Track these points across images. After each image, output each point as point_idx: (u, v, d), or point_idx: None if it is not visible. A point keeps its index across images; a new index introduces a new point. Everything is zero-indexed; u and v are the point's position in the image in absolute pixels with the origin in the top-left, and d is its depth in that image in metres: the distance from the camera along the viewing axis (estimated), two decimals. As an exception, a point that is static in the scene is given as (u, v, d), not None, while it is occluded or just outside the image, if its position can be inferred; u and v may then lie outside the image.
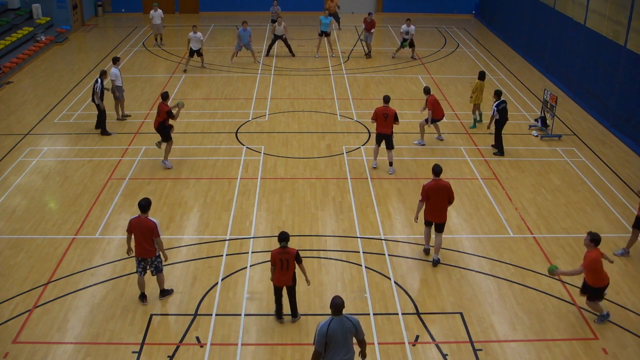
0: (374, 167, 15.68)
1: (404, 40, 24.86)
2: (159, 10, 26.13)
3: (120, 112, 18.72)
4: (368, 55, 25.48)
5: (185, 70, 23.42)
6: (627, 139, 17.76)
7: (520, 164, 16.27)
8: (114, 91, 18.16)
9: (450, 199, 11.77)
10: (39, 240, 12.73)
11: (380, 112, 15.05)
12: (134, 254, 10.68)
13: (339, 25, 30.38)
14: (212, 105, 20.08)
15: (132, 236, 10.51)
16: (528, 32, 26.07)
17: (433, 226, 11.99)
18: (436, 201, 11.66)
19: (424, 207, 11.80)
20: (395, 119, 15.09)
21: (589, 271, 10.31)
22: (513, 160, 16.46)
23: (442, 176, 11.73)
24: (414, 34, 24.90)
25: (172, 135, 15.74)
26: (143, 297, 10.84)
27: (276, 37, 25.10)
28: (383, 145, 15.39)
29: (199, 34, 23.28)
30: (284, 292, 10.30)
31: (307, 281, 10.27)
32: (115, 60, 18.59)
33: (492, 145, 17.01)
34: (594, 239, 10.26)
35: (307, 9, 33.12)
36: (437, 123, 17.28)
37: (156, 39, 26.79)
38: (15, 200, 14.21)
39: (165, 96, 15.54)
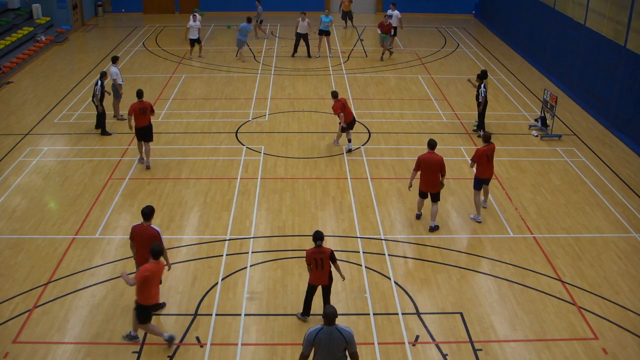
0: (336, 145, 16.96)
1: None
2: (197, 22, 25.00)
3: (117, 112, 18.70)
4: (388, 55, 25.12)
5: (191, 58, 24.83)
6: (627, 139, 17.76)
7: (520, 164, 16.27)
8: (116, 89, 18.15)
9: (442, 172, 12.75)
10: (39, 240, 12.73)
11: (339, 104, 16.00)
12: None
13: (352, 24, 30.51)
14: (212, 105, 20.08)
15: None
16: (528, 32, 26.08)
17: (429, 197, 13.10)
18: (429, 172, 12.74)
19: (418, 178, 13.08)
20: (335, 110, 15.99)
21: (140, 286, 9.33)
22: (513, 160, 16.46)
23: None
24: (400, 17, 25.51)
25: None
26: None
27: (299, 35, 24.79)
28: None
29: (197, 22, 24.26)
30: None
31: (342, 277, 10.29)
32: (115, 60, 18.60)
33: (475, 128, 18.18)
34: (152, 251, 9.39)
35: (307, 9, 33.07)
36: (485, 186, 13.70)
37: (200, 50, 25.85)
38: (15, 200, 14.21)
39: (140, 94, 15.40)
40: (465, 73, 23.58)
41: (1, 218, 13.50)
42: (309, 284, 10.24)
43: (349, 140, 16.60)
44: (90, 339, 10.05)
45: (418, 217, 13.54)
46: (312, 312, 10.51)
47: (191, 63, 24.40)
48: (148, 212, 10.25)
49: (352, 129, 16.57)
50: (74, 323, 10.39)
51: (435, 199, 13.01)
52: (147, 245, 9.93)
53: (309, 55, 25.26)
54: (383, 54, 25.17)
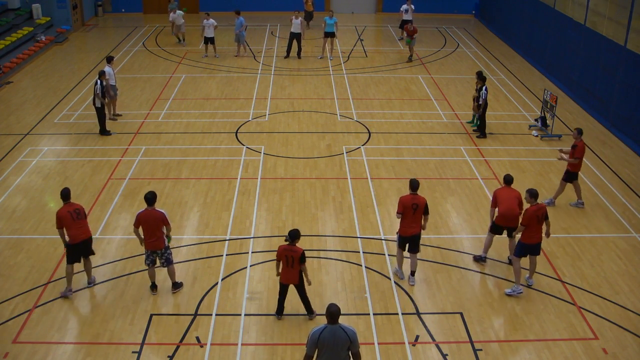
0: (402, 279, 11.62)
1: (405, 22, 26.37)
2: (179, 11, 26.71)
3: (111, 112, 18.70)
4: (409, 59, 25.14)
5: (206, 56, 25.06)
6: (627, 139, 17.76)
7: (520, 164, 16.27)
8: (108, 90, 18.10)
9: (520, 207, 11.45)
10: (39, 240, 12.73)
11: (409, 202, 11.09)
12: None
13: (307, 25, 30.50)
14: (212, 105, 20.08)
15: (141, 229, 10.67)
16: (528, 32, 26.08)
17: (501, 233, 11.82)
18: (507, 207, 11.44)
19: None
20: (426, 210, 11.19)
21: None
22: (513, 160, 16.46)
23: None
24: (414, 11, 26.76)
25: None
26: (153, 287, 11.06)
27: (292, 35, 24.68)
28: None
29: (211, 20, 24.41)
30: (294, 291, 10.31)
31: (308, 282, 10.25)
32: (109, 60, 18.59)
33: (475, 129, 18.12)
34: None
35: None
36: (532, 257, 11.41)
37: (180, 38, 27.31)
38: (15, 200, 14.21)
39: (66, 194, 10.76)
40: (465, 73, 23.58)
41: (1, 218, 13.50)
42: (280, 282, 10.27)
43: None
44: (90, 339, 10.05)
45: (481, 259, 12.01)
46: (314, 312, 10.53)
47: (190, 63, 24.40)
48: (151, 198, 10.61)
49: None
50: (74, 323, 10.39)
51: (511, 233, 11.64)
52: (154, 229, 10.50)
53: (298, 56, 25.13)
54: (411, 55, 25.21)
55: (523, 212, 11.10)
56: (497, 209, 11.62)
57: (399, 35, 28.40)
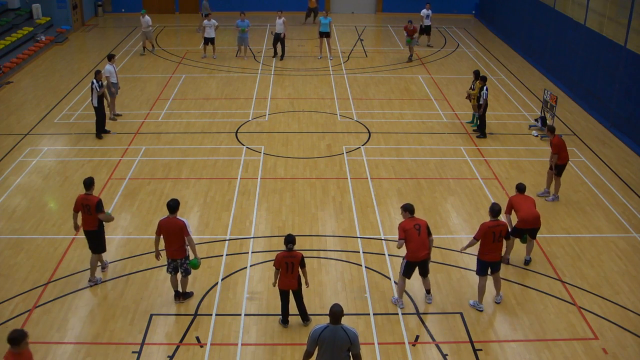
0: (402, 307, 10.85)
1: (422, 25, 26.66)
2: (147, 17, 25.28)
3: (111, 111, 18.69)
4: (409, 59, 25.13)
5: (205, 57, 25.00)
6: (627, 139, 17.76)
7: (520, 164, 16.27)
8: (109, 87, 18.08)
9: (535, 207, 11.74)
10: (39, 240, 12.73)
11: (410, 225, 10.55)
12: (164, 255, 10.60)
13: (313, 20, 30.97)
14: (212, 105, 20.08)
15: (161, 238, 10.41)
16: (528, 32, 26.09)
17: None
18: (527, 211, 11.58)
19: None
20: (429, 232, 10.64)
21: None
22: (513, 160, 16.46)
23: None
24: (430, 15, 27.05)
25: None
26: (177, 296, 10.86)
27: (275, 35, 24.78)
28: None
29: (212, 20, 24.34)
30: (291, 296, 10.26)
31: (307, 283, 10.20)
32: (110, 57, 18.58)
33: (475, 129, 18.16)
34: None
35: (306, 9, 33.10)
36: (496, 274, 10.99)
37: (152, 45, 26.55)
38: (15, 200, 14.21)
39: (85, 184, 11.21)
40: (465, 73, 23.57)
41: (1, 218, 13.50)
42: (279, 289, 10.15)
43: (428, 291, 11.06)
44: (90, 339, 10.05)
45: (507, 261, 12.05)
46: (313, 312, 10.52)
47: (190, 63, 24.41)
48: (173, 205, 10.38)
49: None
50: (74, 323, 10.39)
51: (535, 235, 11.89)
52: (174, 237, 10.26)
53: (281, 57, 25.00)
54: (411, 55, 25.17)
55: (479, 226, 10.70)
56: (516, 215, 11.71)
57: (427, 42, 27.58)
